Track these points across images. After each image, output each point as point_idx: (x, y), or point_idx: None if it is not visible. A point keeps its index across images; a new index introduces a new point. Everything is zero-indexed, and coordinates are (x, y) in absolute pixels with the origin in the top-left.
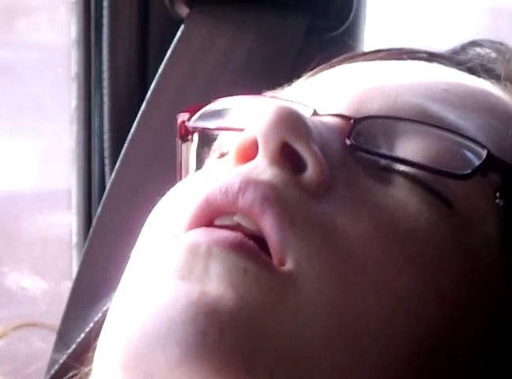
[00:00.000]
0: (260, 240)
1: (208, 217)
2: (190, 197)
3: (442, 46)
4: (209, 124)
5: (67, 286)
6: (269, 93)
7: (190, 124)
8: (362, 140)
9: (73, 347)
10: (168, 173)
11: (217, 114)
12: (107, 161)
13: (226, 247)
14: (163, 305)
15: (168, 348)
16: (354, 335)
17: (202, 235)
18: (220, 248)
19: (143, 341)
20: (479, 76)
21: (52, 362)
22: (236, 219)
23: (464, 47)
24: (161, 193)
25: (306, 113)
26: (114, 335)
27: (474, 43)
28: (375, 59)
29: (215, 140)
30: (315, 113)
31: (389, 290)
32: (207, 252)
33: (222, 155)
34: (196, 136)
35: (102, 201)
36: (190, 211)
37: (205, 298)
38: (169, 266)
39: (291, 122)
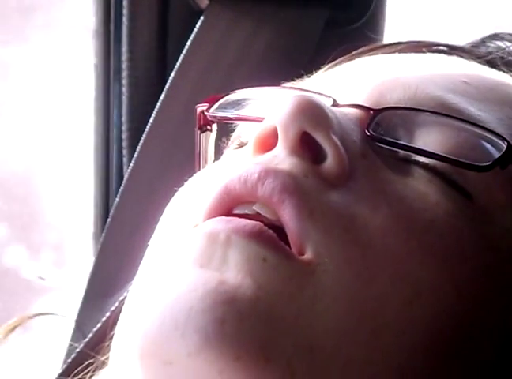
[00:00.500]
0: (279, 230)
1: (227, 206)
2: (209, 186)
3: (463, 39)
4: (229, 114)
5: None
6: (288, 84)
7: (209, 113)
8: (381, 131)
9: (90, 336)
10: (186, 164)
11: (236, 104)
12: (125, 152)
13: (245, 236)
14: (181, 292)
15: (187, 336)
16: (371, 327)
17: (221, 224)
18: (239, 236)
19: (161, 329)
20: (499, 69)
21: (69, 352)
22: (255, 208)
23: (484, 40)
24: (179, 183)
25: (326, 103)
26: (132, 323)
27: (494, 37)
28: (395, 52)
29: (234, 131)
30: (335, 103)
31: (407, 282)
32: (226, 240)
33: (241, 146)
34: (215, 126)
35: (120, 192)
36: (208, 200)
37: (223, 287)
38: (188, 254)
39: (311, 112)
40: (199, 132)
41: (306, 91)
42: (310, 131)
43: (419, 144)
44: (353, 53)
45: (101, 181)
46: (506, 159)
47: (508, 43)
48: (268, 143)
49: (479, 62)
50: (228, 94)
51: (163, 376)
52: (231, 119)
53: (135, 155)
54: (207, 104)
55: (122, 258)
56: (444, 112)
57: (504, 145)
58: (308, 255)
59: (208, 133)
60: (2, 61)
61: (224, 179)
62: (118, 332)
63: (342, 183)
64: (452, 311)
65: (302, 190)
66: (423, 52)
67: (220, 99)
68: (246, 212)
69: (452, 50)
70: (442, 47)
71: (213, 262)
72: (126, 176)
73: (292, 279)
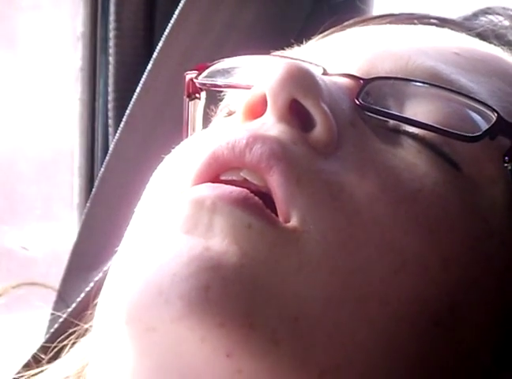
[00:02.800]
0: (266, 197)
1: (214, 172)
2: (197, 152)
3: (454, 12)
4: (218, 82)
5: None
6: (277, 53)
7: (198, 81)
8: (371, 100)
9: (73, 305)
10: (173, 134)
11: (226, 72)
12: (110, 122)
13: (230, 202)
14: (166, 258)
15: (170, 302)
16: (356, 296)
17: (207, 190)
18: (225, 203)
19: (145, 294)
20: (490, 42)
21: (51, 321)
22: (243, 174)
23: (476, 14)
24: (166, 153)
25: (315, 72)
26: (116, 289)
27: (486, 10)
28: (386, 23)
29: (222, 100)
30: (325, 72)
31: (393, 251)
32: (212, 207)
33: (229, 114)
34: (203, 94)
35: (105, 162)
36: (196, 166)
37: (208, 253)
38: (173, 220)
39: (300, 79)
40: (187, 100)
41: (296, 59)
42: (300, 98)
43: (409, 114)
44: (344, 24)
45: (86, 151)
46: (496, 130)
47: (500, 17)
48: (256, 110)
49: (470, 35)
50: (218, 62)
51: (147, 342)
52: (220, 86)
53: (121, 125)
54: (196, 72)
55: (107, 230)
56: (435, 83)
57: (494, 116)
58: (294, 222)
59: (196, 101)
60: None
61: (211, 145)
62: (102, 297)
63: (330, 151)
64: (438, 281)
65: (290, 157)
66: (415, 24)
67: (209, 67)
68: (234, 178)
69: (443, 22)
70: (433, 20)
71: (199, 229)
72: (111, 146)
73: (277, 247)
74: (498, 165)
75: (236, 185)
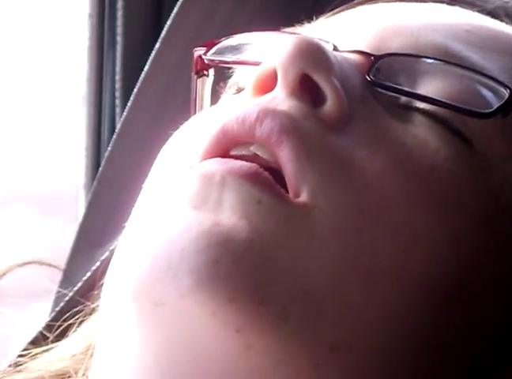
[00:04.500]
0: (276, 173)
1: (224, 147)
2: (206, 127)
3: None
4: (226, 58)
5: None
6: (287, 29)
7: (207, 57)
8: (382, 77)
9: (79, 284)
10: (181, 114)
11: (235, 48)
12: (117, 102)
13: (240, 177)
14: (175, 233)
15: (179, 277)
16: (366, 271)
17: (217, 165)
18: (234, 178)
19: (154, 270)
20: (501, 20)
21: (57, 300)
22: (253, 149)
23: None
24: (173, 132)
25: (326, 47)
26: (125, 264)
27: None
28: (397, 1)
29: (231, 76)
30: (335, 49)
31: (403, 228)
32: (221, 181)
33: (238, 91)
34: (212, 71)
35: (112, 141)
36: (205, 141)
37: (217, 228)
38: (182, 195)
39: (311, 54)
40: (196, 77)
41: (307, 35)
42: (311, 73)
43: (421, 90)
44: (355, 1)
45: (93, 131)
46: (509, 107)
47: None
48: (267, 85)
49: (481, 13)
50: (226, 38)
51: (155, 317)
52: (228, 63)
53: (128, 104)
54: (204, 48)
55: (113, 209)
56: (446, 59)
57: (507, 93)
58: (304, 197)
59: (204, 78)
60: None
61: (221, 120)
62: (110, 273)
63: (341, 127)
64: (448, 259)
65: (300, 132)
66: (425, 2)
67: (217, 44)
68: (244, 153)
69: (454, 0)
70: None
71: (208, 204)
72: (118, 125)
73: (287, 222)
74: (510, 142)
75: (246, 161)
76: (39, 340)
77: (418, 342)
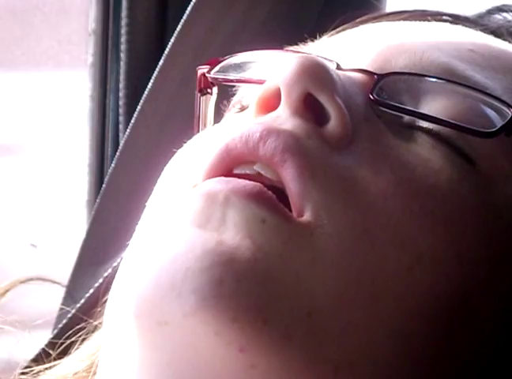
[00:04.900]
0: (279, 192)
1: (228, 166)
2: (209, 146)
3: (468, 10)
4: (230, 76)
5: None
6: (291, 48)
7: (210, 75)
8: (385, 96)
9: (82, 301)
10: (184, 132)
11: (238, 67)
12: (121, 119)
13: (244, 196)
14: (178, 252)
15: (183, 296)
16: (370, 291)
17: (220, 184)
18: (238, 197)
19: (157, 289)
20: (504, 39)
21: (60, 317)
22: (256, 168)
23: (490, 12)
24: (176, 149)
25: (330, 66)
26: (128, 283)
27: (500, 8)
28: (400, 20)
29: (234, 95)
30: (339, 67)
31: (408, 247)
32: (225, 201)
33: (242, 110)
34: (215, 89)
35: (115, 158)
36: (208, 159)
37: (221, 247)
38: (186, 214)
39: (315, 73)
40: (199, 95)
41: (310, 54)
42: (314, 92)
43: (424, 109)
44: (358, 20)
45: (96, 148)
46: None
47: None
48: (270, 103)
49: (484, 32)
50: (230, 56)
51: (158, 337)
52: (232, 81)
53: (132, 121)
54: (208, 66)
55: (116, 226)
56: (450, 78)
57: (510, 112)
58: (307, 216)
59: (208, 96)
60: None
61: (224, 138)
62: (114, 291)
63: (345, 146)
64: (452, 278)
65: (304, 151)
66: (428, 21)
67: (221, 62)
68: (247, 172)
69: (457, 19)
70: (446, 17)
71: (212, 223)
72: (122, 142)
73: (291, 241)
74: None
75: (250, 180)
76: (41, 358)
77: (422, 360)
